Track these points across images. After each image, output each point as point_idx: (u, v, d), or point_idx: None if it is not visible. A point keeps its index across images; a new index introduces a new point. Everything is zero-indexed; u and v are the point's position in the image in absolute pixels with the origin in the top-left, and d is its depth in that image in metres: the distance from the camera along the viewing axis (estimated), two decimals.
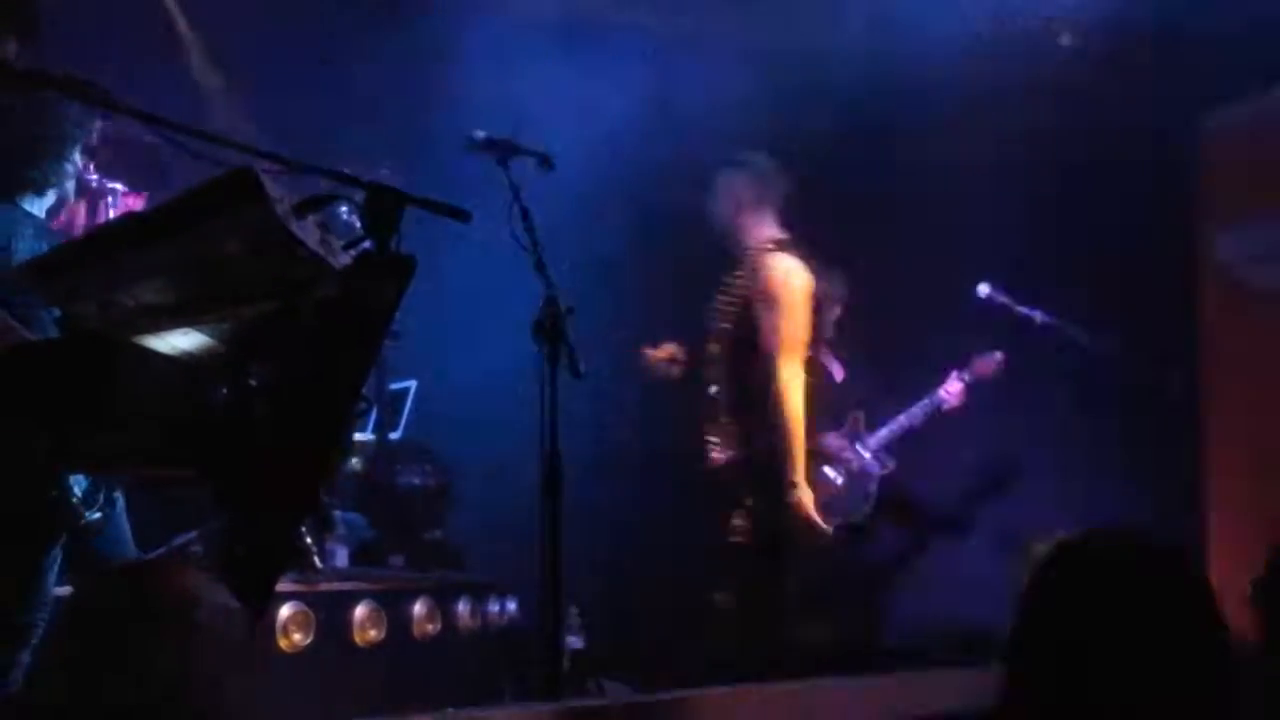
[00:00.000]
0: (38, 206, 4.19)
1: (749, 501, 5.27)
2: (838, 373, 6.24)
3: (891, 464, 6.12)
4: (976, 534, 6.65)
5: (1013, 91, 6.56)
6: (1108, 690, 1.96)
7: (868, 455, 6.08)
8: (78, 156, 4.31)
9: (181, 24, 7.26)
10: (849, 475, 6.03)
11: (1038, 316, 6.05)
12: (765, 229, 5.26)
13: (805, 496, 5.13)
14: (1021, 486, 6.56)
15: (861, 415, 6.14)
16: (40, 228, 4.13)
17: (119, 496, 4.07)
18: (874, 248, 6.67)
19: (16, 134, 4.11)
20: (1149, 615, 1.99)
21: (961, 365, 6.16)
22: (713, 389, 5.23)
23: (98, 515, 3.87)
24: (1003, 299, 6.09)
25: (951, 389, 6.10)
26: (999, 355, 6.15)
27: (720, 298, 5.26)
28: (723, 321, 5.28)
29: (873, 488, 6.08)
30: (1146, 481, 5.93)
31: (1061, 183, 6.49)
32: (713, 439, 5.33)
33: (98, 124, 4.30)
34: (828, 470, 6.01)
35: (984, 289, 6.11)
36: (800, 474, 5.11)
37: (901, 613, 6.52)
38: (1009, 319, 6.10)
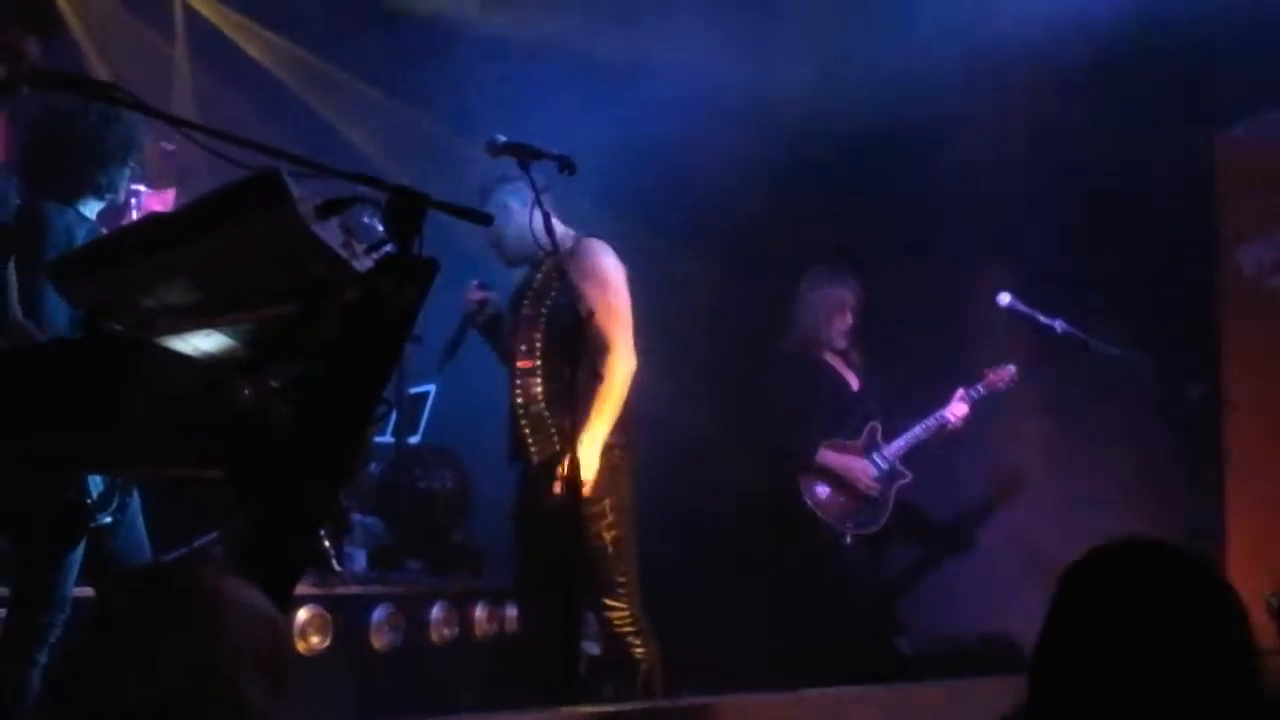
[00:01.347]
0: (91, 210, 4.22)
1: None
2: (853, 382, 6.23)
3: (908, 474, 6.10)
4: (993, 543, 6.63)
5: (1033, 101, 6.55)
6: (1133, 700, 1.95)
7: (884, 465, 6.06)
8: (136, 166, 4.36)
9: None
10: (864, 486, 6.01)
11: (1058, 326, 6.03)
12: (554, 225, 5.09)
13: None
14: (1038, 495, 6.54)
15: (879, 425, 6.12)
16: (93, 232, 4.17)
17: (134, 499, 4.08)
18: (894, 256, 6.66)
19: (89, 138, 4.14)
20: (1178, 625, 1.98)
21: (971, 381, 6.13)
22: None
23: (110, 519, 3.88)
24: (1023, 308, 6.07)
25: (956, 411, 6.07)
26: (1011, 368, 6.12)
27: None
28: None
29: (890, 498, 6.07)
30: (1167, 490, 5.91)
31: (1083, 193, 6.47)
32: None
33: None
34: (846, 480, 6.00)
35: (1005, 298, 6.09)
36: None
37: (918, 622, 6.50)
38: (1030, 328, 6.08)
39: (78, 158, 4.15)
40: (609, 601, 4.89)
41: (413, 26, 7.34)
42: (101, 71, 6.82)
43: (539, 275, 5.06)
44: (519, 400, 5.02)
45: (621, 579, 4.90)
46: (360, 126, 7.57)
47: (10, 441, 2.79)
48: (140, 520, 4.17)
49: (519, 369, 5.02)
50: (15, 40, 3.11)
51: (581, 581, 4.87)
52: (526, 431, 4.97)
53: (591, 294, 4.90)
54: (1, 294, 3.29)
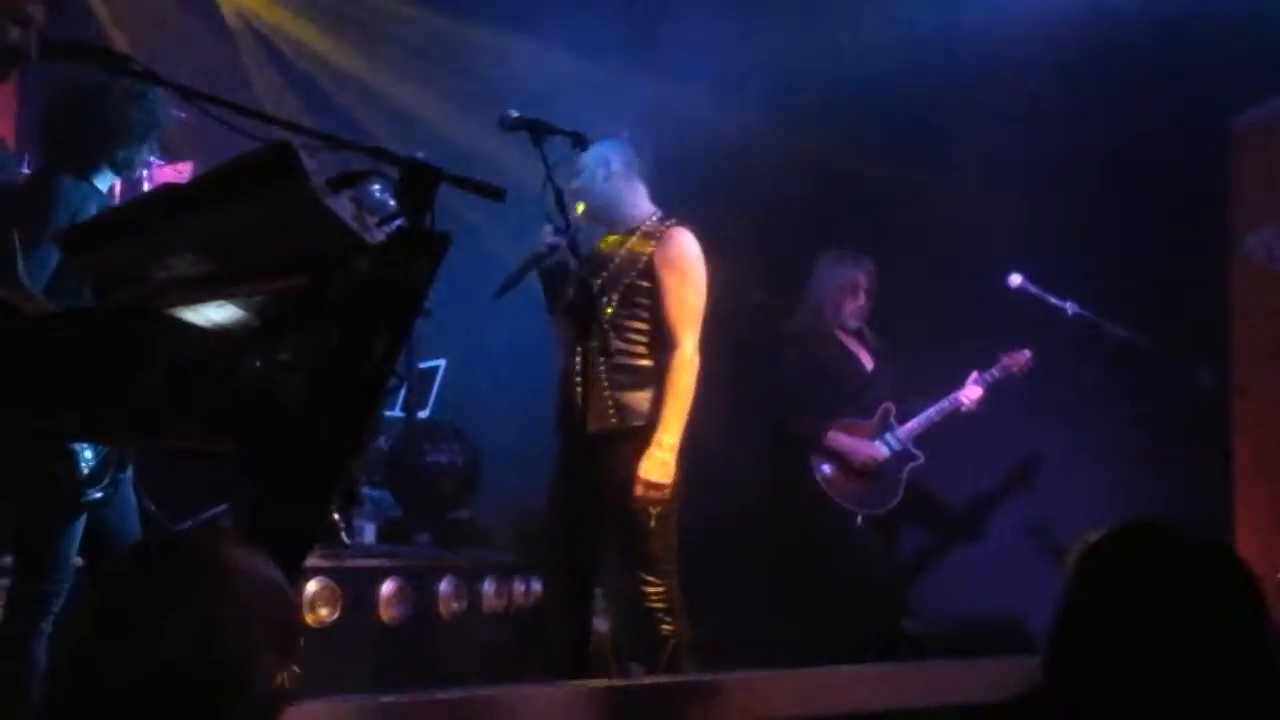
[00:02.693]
0: (104, 183, 4.22)
1: None
2: (867, 363, 6.22)
3: (921, 456, 6.10)
4: (1004, 526, 6.63)
5: (1045, 83, 6.53)
6: (1149, 680, 1.95)
7: (897, 447, 6.06)
8: (155, 143, 4.36)
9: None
10: (878, 469, 6.02)
11: (1069, 308, 6.02)
12: (643, 201, 5.14)
13: None
14: (1050, 478, 6.54)
15: (892, 407, 6.12)
16: (105, 205, 4.16)
17: (127, 474, 4.08)
18: (904, 237, 6.65)
19: (115, 114, 4.14)
20: (1193, 605, 1.98)
21: (986, 365, 6.11)
22: None
23: (100, 494, 3.88)
24: (1034, 289, 6.06)
25: (970, 394, 6.06)
26: (1027, 352, 6.11)
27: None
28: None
29: (901, 479, 6.07)
30: (1176, 473, 5.90)
31: (1094, 175, 6.46)
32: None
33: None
34: (856, 461, 6.00)
35: (1015, 279, 6.07)
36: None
37: (928, 605, 6.51)
38: (1040, 309, 6.07)
39: (100, 132, 4.15)
40: (647, 576, 4.86)
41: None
42: (119, 40, 6.83)
43: (626, 244, 5.01)
44: (577, 367, 4.78)
45: (662, 556, 4.89)
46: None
47: (21, 411, 2.79)
48: (132, 496, 4.18)
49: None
50: (21, 4, 3.11)
51: (601, 557, 4.90)
52: (582, 400, 4.76)
53: (668, 282, 4.90)
54: (10, 260, 3.29)
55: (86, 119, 4.13)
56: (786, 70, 6.70)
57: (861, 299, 6.22)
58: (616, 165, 5.04)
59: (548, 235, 4.84)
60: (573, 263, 4.60)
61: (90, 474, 3.82)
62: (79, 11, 6.43)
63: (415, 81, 7.49)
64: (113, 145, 4.16)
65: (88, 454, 3.80)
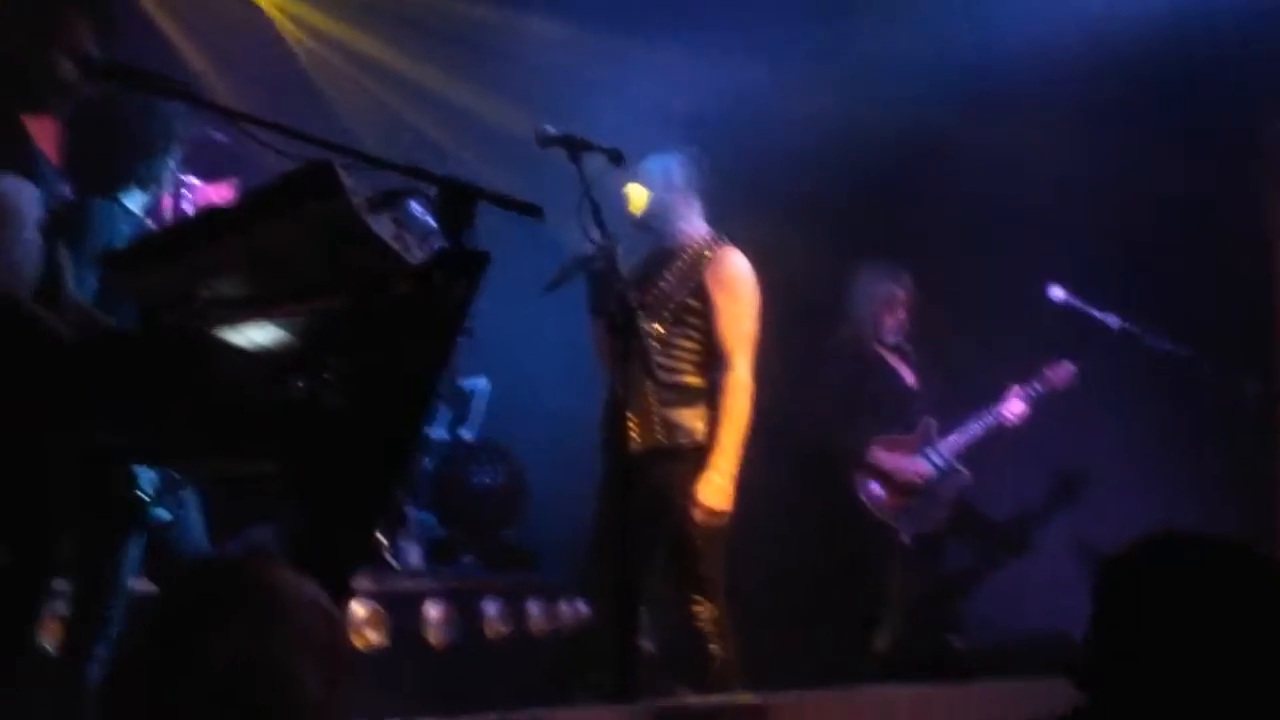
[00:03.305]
0: (137, 203, 4.24)
1: None
2: (908, 377, 6.18)
3: (965, 472, 6.05)
4: (1051, 541, 6.57)
5: (1080, 95, 6.50)
6: (1181, 694, 1.92)
7: (940, 462, 6.01)
8: (177, 156, 4.38)
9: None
10: (922, 486, 5.97)
11: (1112, 321, 5.97)
12: (698, 220, 5.12)
13: None
14: (1095, 493, 6.48)
15: (934, 422, 6.07)
16: (139, 225, 4.19)
17: (190, 494, 4.09)
18: (945, 251, 6.62)
19: (128, 129, 4.17)
20: (1220, 615, 1.95)
21: (1028, 378, 6.06)
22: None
23: (166, 513, 3.89)
24: (1076, 302, 6.01)
25: (1013, 409, 6.02)
26: (1070, 365, 6.06)
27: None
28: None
29: (946, 496, 6.02)
30: (1222, 487, 5.85)
31: (1133, 188, 6.42)
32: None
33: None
34: (900, 479, 5.96)
35: (1057, 292, 6.04)
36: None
37: (975, 621, 6.46)
38: (1083, 322, 6.02)
39: (116, 149, 4.17)
40: (696, 597, 4.84)
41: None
42: (192, 58, 6.89)
43: (678, 262, 5.00)
44: (628, 385, 4.68)
45: (711, 576, 4.86)
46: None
47: (69, 434, 2.81)
48: (198, 516, 4.18)
49: None
50: (80, 40, 3.13)
51: (647, 577, 4.87)
52: (631, 418, 4.69)
53: (721, 303, 4.90)
54: (58, 276, 3.31)
55: (103, 138, 4.16)
56: (828, 80, 6.67)
57: (900, 313, 6.18)
58: (678, 178, 5.03)
59: (601, 238, 4.79)
60: (615, 281, 4.57)
61: (155, 494, 3.82)
62: (139, 31, 6.46)
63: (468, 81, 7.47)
64: (132, 162, 4.17)
65: (150, 474, 3.82)
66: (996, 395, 6.07)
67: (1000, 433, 6.04)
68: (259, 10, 7.47)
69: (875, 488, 5.95)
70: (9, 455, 2.90)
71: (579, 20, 7.12)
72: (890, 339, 6.19)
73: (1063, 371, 6.06)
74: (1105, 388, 6.24)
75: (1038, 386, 6.05)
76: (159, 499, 3.84)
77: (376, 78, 7.62)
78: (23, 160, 3.17)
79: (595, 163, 4.41)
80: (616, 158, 4.44)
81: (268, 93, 6.90)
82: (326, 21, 7.57)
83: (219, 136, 5.30)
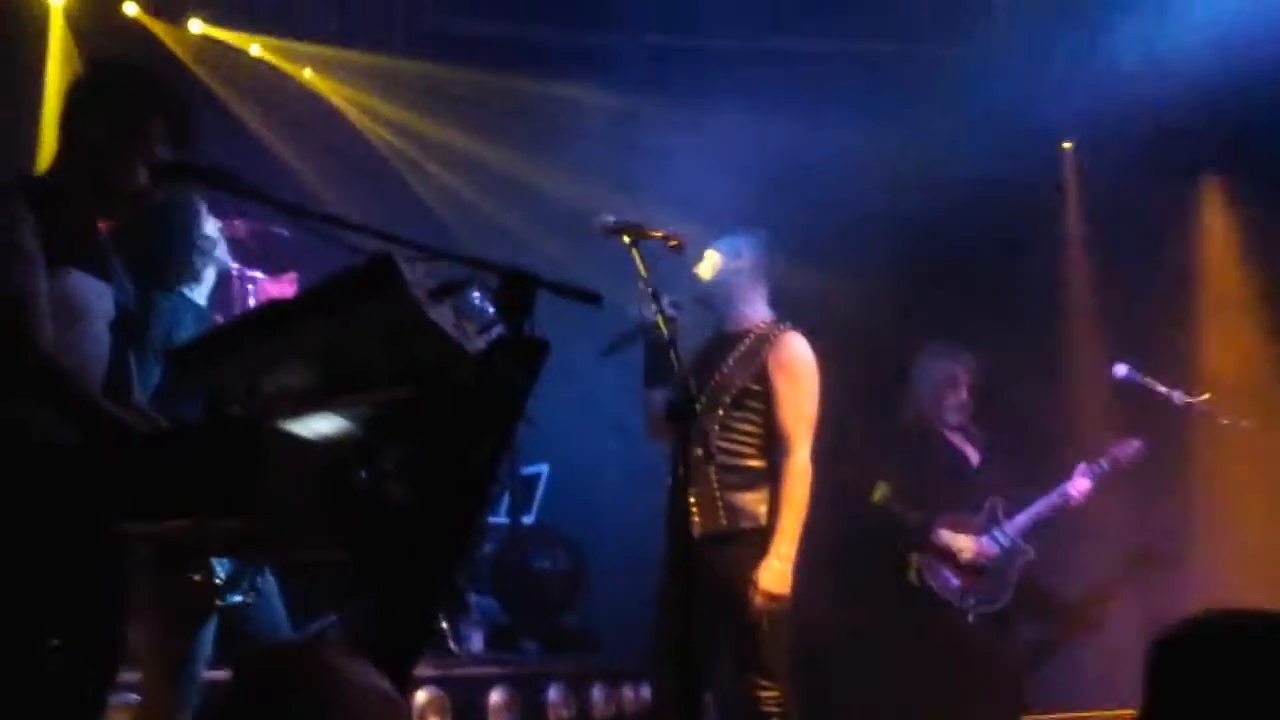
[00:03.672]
0: (199, 294, 4.33)
1: None
2: (973, 458, 6.15)
3: (1030, 550, 5.99)
4: (1122, 619, 6.49)
5: (1142, 165, 6.51)
6: None
7: (1006, 542, 5.96)
8: (202, 250, 4.46)
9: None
10: (987, 565, 5.92)
11: (1177, 396, 5.92)
12: (761, 305, 5.13)
13: None
14: (1167, 569, 6.40)
15: (999, 502, 6.03)
16: (201, 315, 4.27)
17: (267, 579, 4.12)
18: (1007, 329, 6.60)
19: (175, 230, 4.27)
20: (1271, 699, 1.91)
21: (1094, 457, 6.01)
22: None
23: (239, 598, 3.92)
24: (1140, 379, 5.97)
25: (1079, 486, 5.96)
26: (1137, 442, 6.00)
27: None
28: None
29: (1012, 574, 5.96)
30: None
31: (1193, 266, 6.41)
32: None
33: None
34: (965, 558, 5.91)
35: (1121, 369, 6.00)
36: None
37: (1043, 701, 6.37)
38: (1147, 398, 5.98)
39: (178, 247, 4.28)
40: (761, 681, 4.80)
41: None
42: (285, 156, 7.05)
43: (741, 346, 5.01)
44: (689, 466, 4.60)
45: (776, 659, 4.83)
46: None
47: (137, 526, 2.84)
48: (277, 599, 4.19)
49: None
50: (158, 148, 3.22)
51: (711, 661, 4.85)
52: (693, 502, 4.73)
53: (782, 389, 4.90)
54: (127, 378, 3.37)
55: (165, 235, 4.27)
56: (896, 152, 6.71)
57: (962, 393, 6.15)
58: (746, 260, 5.06)
59: (667, 307, 4.80)
60: (675, 367, 4.59)
61: (229, 578, 3.85)
62: (219, 131, 6.61)
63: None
64: (178, 259, 4.28)
65: (224, 560, 3.85)
66: (1063, 474, 6.01)
67: (1066, 511, 5.98)
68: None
69: (940, 569, 5.91)
70: (83, 547, 2.94)
71: (645, 91, 7.20)
72: (952, 418, 6.16)
73: (1129, 448, 6.00)
74: (1171, 462, 6.18)
75: (1104, 464, 5.99)
76: (233, 584, 3.87)
77: (448, 161, 7.73)
78: (96, 259, 3.24)
79: (654, 250, 4.45)
80: (676, 245, 4.47)
81: (351, 184, 7.04)
82: (397, 111, 7.71)
83: (283, 232, 5.40)
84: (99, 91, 3.30)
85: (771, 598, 4.72)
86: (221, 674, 4.07)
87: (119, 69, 3.45)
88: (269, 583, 4.14)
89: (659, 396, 4.87)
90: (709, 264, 5.05)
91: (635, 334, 4.85)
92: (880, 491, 5.93)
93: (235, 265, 5.72)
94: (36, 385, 3.04)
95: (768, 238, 5.13)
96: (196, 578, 3.80)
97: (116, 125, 3.22)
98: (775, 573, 4.74)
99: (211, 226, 4.38)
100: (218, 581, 3.85)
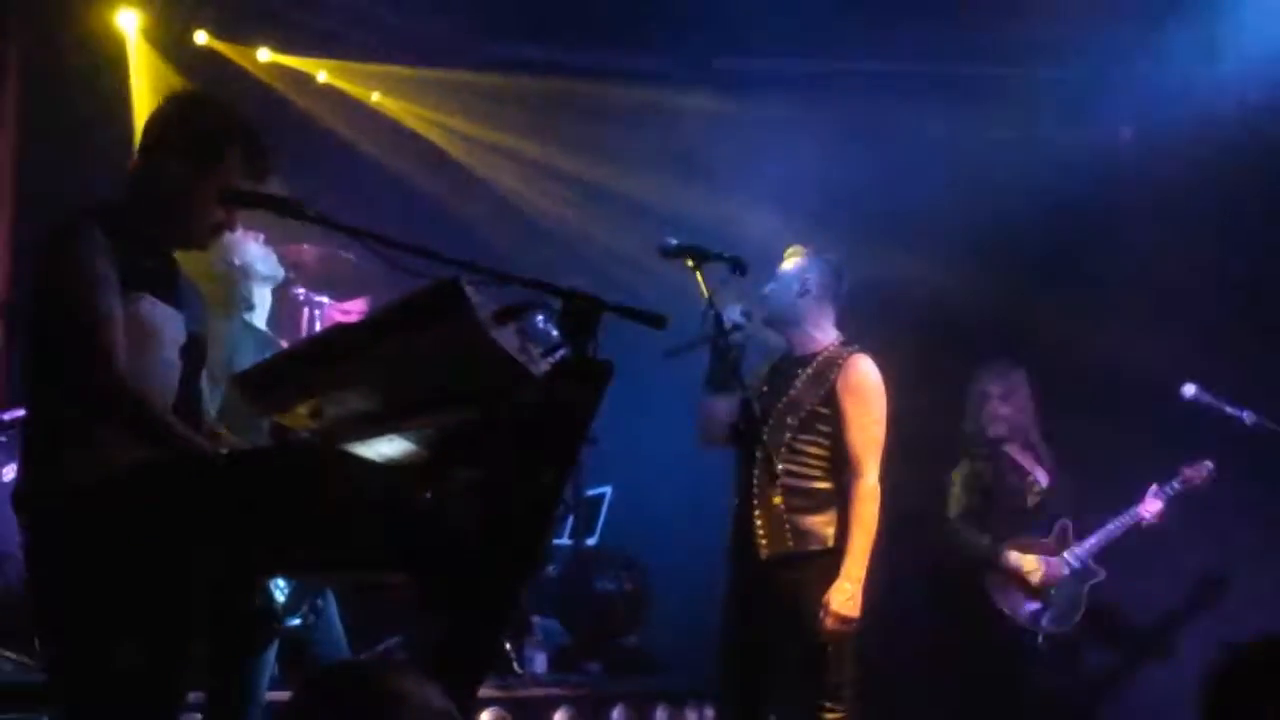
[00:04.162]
0: (257, 318, 4.38)
1: None
2: (1042, 479, 6.10)
3: (1101, 573, 5.93)
4: (1193, 644, 6.40)
5: (1220, 181, 6.43)
6: None
7: (1076, 564, 5.90)
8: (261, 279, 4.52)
9: None
10: (1058, 586, 5.87)
11: (1246, 417, 5.85)
12: (829, 327, 5.12)
13: None
14: (1238, 594, 6.31)
15: (1069, 524, 5.97)
16: (262, 340, 4.32)
17: (327, 602, 4.14)
18: (1078, 349, 6.55)
19: (210, 266, 4.33)
20: None
21: (1166, 478, 5.94)
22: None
23: (298, 621, 3.94)
24: (1209, 399, 5.90)
25: (1150, 507, 5.90)
26: (1209, 464, 5.92)
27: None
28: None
29: (1083, 597, 5.90)
30: None
31: (1266, 279, 6.32)
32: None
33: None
34: (1036, 579, 5.86)
35: (1189, 389, 5.93)
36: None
37: None
38: (1217, 419, 5.91)
39: (223, 279, 4.34)
40: (827, 704, 4.79)
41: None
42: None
43: (809, 369, 5.02)
44: (755, 488, 4.80)
45: (842, 682, 4.81)
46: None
47: (204, 549, 2.87)
48: (337, 621, 4.23)
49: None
50: (236, 184, 3.25)
51: (777, 683, 4.83)
52: (759, 524, 4.81)
53: (850, 412, 4.91)
54: (199, 402, 3.41)
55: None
56: (964, 167, 6.68)
57: (998, 408, 6.10)
58: (813, 285, 5.06)
59: (735, 314, 4.82)
60: (737, 389, 4.58)
61: (289, 600, 3.88)
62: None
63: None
64: (214, 291, 4.33)
65: (281, 582, 3.88)
66: (1135, 495, 5.95)
67: (1138, 532, 5.92)
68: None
69: (1009, 591, 5.86)
70: (158, 567, 2.98)
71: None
72: (998, 432, 6.11)
73: (1201, 469, 5.93)
74: (1241, 485, 6.10)
75: (1176, 485, 5.92)
76: (293, 606, 3.90)
77: (532, 173, 7.74)
78: (167, 286, 3.28)
79: (718, 273, 4.45)
80: (739, 266, 4.48)
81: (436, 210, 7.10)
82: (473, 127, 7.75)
83: (349, 257, 5.45)
84: (175, 124, 3.31)
85: (842, 620, 4.71)
86: (284, 695, 4.09)
87: (195, 101, 3.45)
88: (329, 605, 4.17)
89: (718, 405, 4.90)
90: (791, 255, 5.08)
91: (701, 340, 4.84)
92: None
93: (301, 290, 5.78)
94: (113, 408, 3.08)
95: (836, 261, 5.13)
96: (256, 599, 3.83)
97: (193, 158, 3.24)
98: (846, 595, 4.72)
99: (249, 251, 4.42)
100: (277, 605, 3.87)
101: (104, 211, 3.25)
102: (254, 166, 3.28)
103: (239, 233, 4.32)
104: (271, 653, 3.97)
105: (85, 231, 3.14)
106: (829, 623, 4.70)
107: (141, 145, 3.33)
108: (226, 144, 3.26)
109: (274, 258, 4.53)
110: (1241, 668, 1.99)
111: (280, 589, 3.87)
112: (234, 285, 4.36)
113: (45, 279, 3.19)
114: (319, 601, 4.05)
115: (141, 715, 3.09)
